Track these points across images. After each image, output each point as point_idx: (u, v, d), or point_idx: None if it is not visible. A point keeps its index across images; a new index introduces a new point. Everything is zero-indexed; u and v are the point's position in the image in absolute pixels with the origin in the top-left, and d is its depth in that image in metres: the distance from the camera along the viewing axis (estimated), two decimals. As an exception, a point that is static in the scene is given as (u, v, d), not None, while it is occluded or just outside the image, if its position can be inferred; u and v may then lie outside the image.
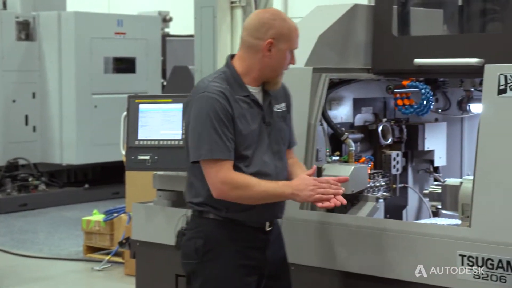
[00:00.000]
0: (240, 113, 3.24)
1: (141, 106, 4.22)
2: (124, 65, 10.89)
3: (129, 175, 6.60)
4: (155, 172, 4.32)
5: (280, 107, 3.38)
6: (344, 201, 3.21)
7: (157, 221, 4.28)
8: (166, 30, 12.64)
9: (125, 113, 4.34)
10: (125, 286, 6.28)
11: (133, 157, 4.18)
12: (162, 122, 4.18)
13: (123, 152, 4.40)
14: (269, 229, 3.34)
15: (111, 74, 10.78)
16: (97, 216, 7.21)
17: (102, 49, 10.59)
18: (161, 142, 4.16)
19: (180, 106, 4.12)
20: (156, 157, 4.15)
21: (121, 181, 8.13)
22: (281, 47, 3.25)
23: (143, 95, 4.52)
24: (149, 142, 4.18)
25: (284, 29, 3.25)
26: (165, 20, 12.58)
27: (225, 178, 3.17)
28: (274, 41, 3.23)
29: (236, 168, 3.21)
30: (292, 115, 3.46)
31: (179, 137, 4.12)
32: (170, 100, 4.20)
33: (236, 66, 3.30)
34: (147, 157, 4.16)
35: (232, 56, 3.36)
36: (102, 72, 10.64)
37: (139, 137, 4.19)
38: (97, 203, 9.89)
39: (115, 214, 6.94)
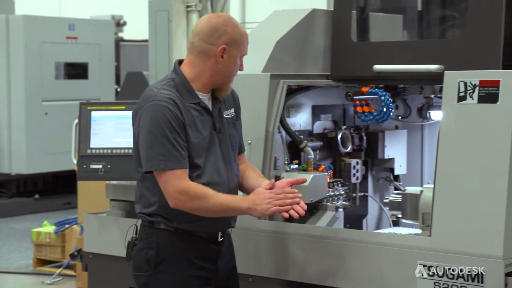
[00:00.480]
0: (191, 120, 3.20)
1: (93, 113, 4.18)
2: (76, 71, 10.78)
3: (81, 185, 6.55)
4: (108, 182, 4.28)
5: (229, 113, 3.36)
6: (302, 212, 3.16)
7: (110, 233, 4.23)
8: (120, 34, 12.54)
9: (76, 120, 4.26)
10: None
11: (85, 166, 4.15)
12: (115, 130, 4.14)
13: (75, 161, 4.34)
14: (221, 239, 3.31)
15: (62, 80, 10.66)
16: (48, 228, 7.10)
17: (53, 54, 10.46)
18: (114, 151, 4.13)
19: None
20: (109, 166, 4.12)
21: (73, 191, 8.05)
22: (233, 53, 3.24)
23: (95, 102, 4.49)
24: (101, 151, 4.14)
25: (236, 35, 3.24)
26: (119, 24, 12.48)
27: (182, 189, 3.12)
28: (227, 47, 3.22)
29: (189, 178, 3.18)
30: (241, 119, 3.43)
31: (133, 145, 4.02)
32: (123, 107, 4.17)
33: (185, 72, 3.25)
34: (100, 166, 4.12)
35: (180, 62, 3.31)
36: (53, 78, 10.51)
37: (92, 145, 4.16)
38: (48, 214, 9.74)
39: (67, 226, 6.86)
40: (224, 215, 3.23)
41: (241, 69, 3.31)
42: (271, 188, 3.21)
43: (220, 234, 3.30)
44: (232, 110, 3.38)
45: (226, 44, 3.21)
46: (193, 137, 3.18)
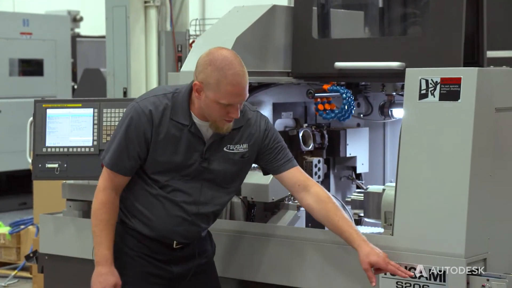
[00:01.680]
0: (167, 139, 3.16)
1: (48, 111, 4.11)
2: (31, 68, 10.66)
3: (37, 185, 6.49)
4: (64, 181, 4.23)
5: (237, 148, 3.26)
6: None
7: (66, 233, 4.19)
8: (76, 30, 12.42)
9: (31, 118, 4.18)
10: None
11: (40, 165, 4.08)
12: (72, 128, 4.08)
13: (30, 160, 4.23)
14: (178, 246, 3.28)
15: (16, 77, 10.54)
16: (2, 229, 7.03)
17: (7, 50, 10.34)
18: (70, 150, 4.07)
19: (90, 111, 4.07)
20: (65, 165, 4.06)
21: (28, 191, 7.95)
22: (208, 95, 3.12)
23: (51, 99, 4.40)
24: (57, 150, 4.08)
25: (211, 78, 3.10)
26: (75, 19, 12.36)
27: (103, 193, 3.22)
28: (203, 86, 3.12)
29: (146, 185, 3.21)
30: (265, 154, 3.34)
31: (90, 144, 4.05)
32: (80, 105, 4.11)
33: (193, 94, 3.20)
34: (56, 165, 4.06)
35: None
36: (7, 75, 10.40)
37: (47, 144, 4.09)
38: (2, 214, 9.62)
39: (22, 226, 6.78)
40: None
41: (233, 117, 3.13)
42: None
43: (175, 242, 3.27)
44: (245, 145, 3.27)
45: (202, 83, 3.11)
46: (158, 155, 3.16)
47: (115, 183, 3.21)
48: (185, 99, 3.18)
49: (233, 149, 3.25)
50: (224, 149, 3.23)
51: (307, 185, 3.31)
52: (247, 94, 3.17)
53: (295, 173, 3.33)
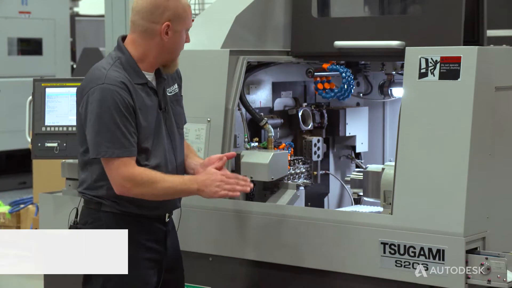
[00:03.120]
0: (141, 103, 3.10)
1: (48, 90, 4.09)
2: (30, 47, 10.62)
3: (36, 164, 6.52)
4: (63, 160, 4.20)
5: (172, 89, 3.27)
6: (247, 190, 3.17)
7: (66, 212, 4.04)
8: (75, 9, 12.35)
9: (30, 97, 4.16)
10: (30, 282, 6.04)
11: (39, 144, 4.07)
12: (71, 107, 4.04)
13: (29, 139, 4.22)
14: (168, 219, 3.25)
15: (15, 56, 10.49)
16: (2, 208, 7.01)
17: (5, 30, 10.30)
18: (69, 129, 4.06)
19: None
20: (64, 144, 4.05)
21: (28, 170, 7.95)
22: (178, 28, 3.12)
23: (50, 78, 4.39)
24: (56, 129, 4.07)
25: (179, 9, 3.12)
26: (74, -1, 12.29)
27: (127, 176, 3.04)
28: (171, 23, 3.10)
29: (137, 162, 3.08)
30: (182, 94, 3.35)
31: None
32: (79, 84, 4.00)
33: (130, 51, 3.13)
34: (55, 144, 4.05)
35: (123, 38, 3.19)
36: (6, 54, 10.34)
37: (46, 123, 4.08)
38: (2, 194, 9.61)
39: (22, 205, 6.78)
40: (172, 198, 3.17)
41: (187, 41, 3.20)
42: (220, 167, 3.17)
43: (167, 214, 3.24)
44: (176, 85, 3.29)
45: (170, 20, 3.09)
46: (143, 120, 3.09)
47: (127, 164, 3.04)
48: (132, 60, 3.11)
49: (171, 91, 3.27)
50: (168, 94, 3.25)
51: None
52: None
53: None
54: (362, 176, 3.87)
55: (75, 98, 4.02)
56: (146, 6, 3.10)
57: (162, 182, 3.06)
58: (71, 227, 3.24)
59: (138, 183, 3.04)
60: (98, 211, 3.15)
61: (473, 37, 3.71)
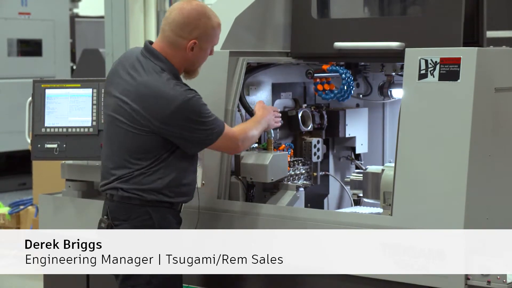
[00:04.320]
0: None
1: (47, 91, 4.09)
2: (30, 48, 10.61)
3: (36, 165, 6.51)
4: (63, 162, 4.21)
5: None
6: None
7: (66, 213, 4.17)
8: (75, 10, 12.35)
9: (30, 98, 4.16)
10: (31, 283, 6.05)
11: (39, 145, 4.07)
12: (71, 108, 4.06)
13: (29, 141, 4.22)
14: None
15: (15, 57, 10.49)
16: (2, 209, 7.00)
17: (5, 31, 10.30)
18: (69, 130, 4.06)
19: (89, 91, 4.03)
20: (64, 145, 4.04)
21: (27, 171, 7.93)
22: (204, 47, 3.33)
23: (49, 79, 4.38)
24: (56, 130, 4.06)
25: (208, 29, 3.31)
26: (74, 0, 12.27)
27: (236, 136, 3.43)
28: (197, 41, 3.30)
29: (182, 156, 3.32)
30: None
31: (89, 124, 4.03)
32: (78, 85, 4.08)
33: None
34: (55, 146, 4.05)
35: (150, 43, 3.37)
36: (6, 55, 10.35)
37: (46, 124, 4.08)
38: (2, 195, 9.61)
39: (22, 207, 6.78)
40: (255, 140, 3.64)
41: (211, 54, 3.40)
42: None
43: (183, 205, 3.43)
44: None
45: (197, 38, 3.28)
46: None
47: (230, 131, 3.41)
48: (174, 68, 3.32)
49: None
50: None
51: None
52: None
53: None
54: (362, 177, 3.87)
55: (75, 99, 4.06)
56: (177, 20, 3.28)
57: (249, 130, 3.50)
58: (109, 225, 3.32)
59: (243, 137, 3.45)
60: (144, 206, 3.29)
61: (472, 38, 3.71)
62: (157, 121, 3.23)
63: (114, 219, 3.31)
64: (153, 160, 3.29)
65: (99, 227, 3.35)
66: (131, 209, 3.29)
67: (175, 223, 3.37)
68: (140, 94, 3.24)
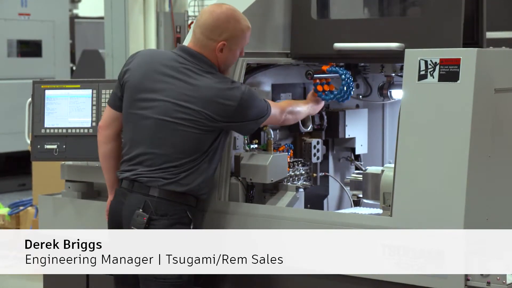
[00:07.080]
0: None
1: (47, 92, 4.09)
2: (30, 49, 10.61)
3: (36, 166, 6.54)
4: (63, 162, 4.21)
5: None
6: None
7: (66, 214, 4.17)
8: (75, 11, 12.34)
9: (30, 99, 4.16)
10: (32, 284, 6.05)
11: (39, 146, 4.07)
12: (70, 109, 4.06)
13: (29, 141, 4.22)
14: None
15: (15, 58, 10.50)
16: (2, 210, 7.01)
17: (5, 31, 10.30)
18: (69, 131, 4.06)
19: (89, 92, 4.03)
20: (64, 146, 4.05)
21: (27, 172, 7.92)
22: (233, 48, 3.45)
23: (49, 80, 4.38)
24: (56, 131, 4.07)
25: (237, 31, 3.43)
26: (74, 0, 12.27)
27: (284, 110, 3.67)
28: (227, 43, 3.41)
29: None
30: None
31: (89, 125, 4.03)
32: (78, 86, 4.08)
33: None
34: (55, 146, 4.05)
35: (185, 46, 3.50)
36: (5, 56, 10.35)
37: (46, 125, 4.08)
38: (2, 195, 9.62)
39: (21, 207, 6.79)
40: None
41: (241, 56, 3.54)
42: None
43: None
44: None
45: (226, 40, 3.40)
46: None
47: (274, 104, 3.65)
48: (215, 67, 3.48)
49: None
50: None
51: None
52: None
53: None
54: (361, 178, 3.87)
55: (74, 100, 4.07)
56: (208, 23, 3.40)
57: (296, 105, 3.78)
58: (147, 220, 3.36)
59: (290, 111, 3.70)
60: (181, 204, 3.40)
61: (472, 39, 3.71)
62: (225, 118, 3.37)
63: (154, 213, 3.35)
64: (201, 158, 3.41)
65: (132, 220, 3.35)
66: (171, 206, 3.37)
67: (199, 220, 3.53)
68: (203, 97, 3.35)
